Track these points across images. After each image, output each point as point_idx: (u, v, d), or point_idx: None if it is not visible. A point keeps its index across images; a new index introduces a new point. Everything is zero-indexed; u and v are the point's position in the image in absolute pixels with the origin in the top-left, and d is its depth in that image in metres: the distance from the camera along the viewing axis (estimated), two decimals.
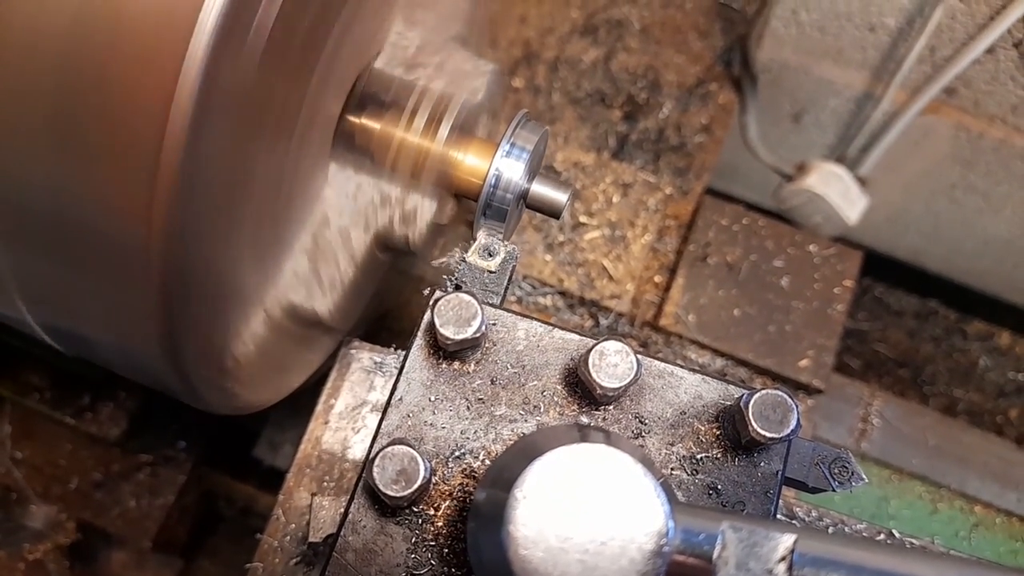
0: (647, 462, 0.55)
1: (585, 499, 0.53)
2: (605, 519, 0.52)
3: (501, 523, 0.53)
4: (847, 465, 0.77)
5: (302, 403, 1.19)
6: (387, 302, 1.46)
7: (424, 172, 0.94)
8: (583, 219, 1.66)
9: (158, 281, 0.74)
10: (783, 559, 0.50)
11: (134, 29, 0.66)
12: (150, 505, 1.85)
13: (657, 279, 1.67)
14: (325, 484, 1.05)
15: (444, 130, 0.93)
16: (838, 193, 2.41)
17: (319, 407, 1.09)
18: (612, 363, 0.67)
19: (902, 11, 2.04)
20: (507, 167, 0.94)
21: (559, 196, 0.96)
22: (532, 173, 0.96)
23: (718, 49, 2.23)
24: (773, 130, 2.51)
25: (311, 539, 0.71)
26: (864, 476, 0.78)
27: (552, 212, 0.97)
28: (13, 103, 0.70)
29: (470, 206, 0.96)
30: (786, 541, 0.51)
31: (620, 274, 1.62)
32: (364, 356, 1.11)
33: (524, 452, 0.58)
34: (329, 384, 1.10)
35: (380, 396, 1.09)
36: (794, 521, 1.08)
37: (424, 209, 0.96)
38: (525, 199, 0.96)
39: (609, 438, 0.57)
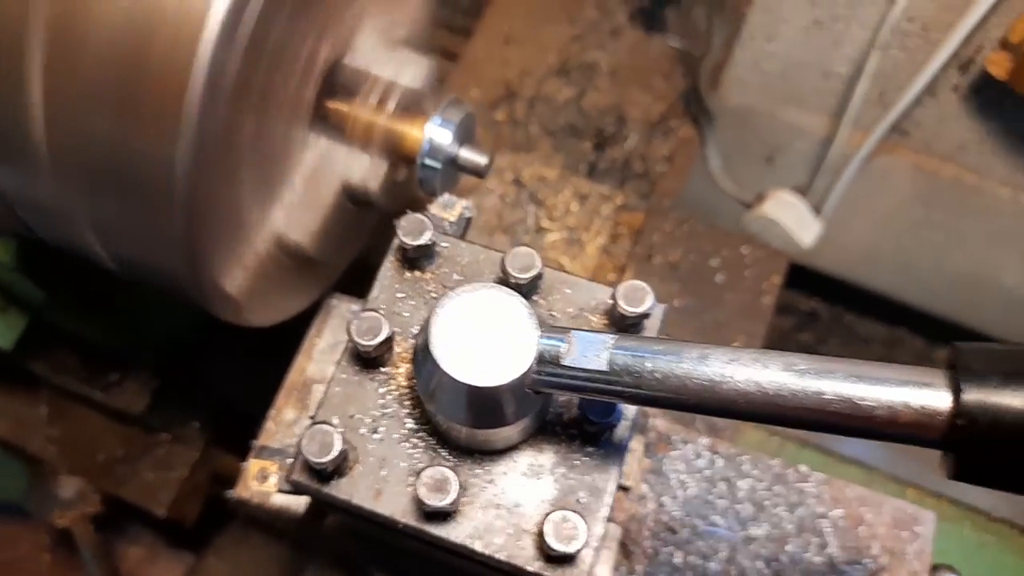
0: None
1: (482, 318, 0.79)
2: (497, 330, 0.78)
3: (427, 343, 0.79)
4: None
5: None
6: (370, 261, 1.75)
7: (376, 141, 1.24)
8: (544, 224, 1.93)
9: (181, 212, 1.02)
10: (607, 347, 0.76)
11: (163, 32, 0.95)
12: (166, 478, 2.08)
13: (610, 276, 1.92)
14: (308, 403, 1.30)
15: (390, 107, 1.22)
16: (792, 219, 2.63)
17: (304, 345, 1.34)
18: (523, 263, 0.92)
19: (849, 59, 2.21)
20: (438, 135, 1.23)
21: (481, 159, 1.25)
22: (461, 142, 1.24)
23: (680, 90, 2.50)
24: (748, 170, 2.64)
25: (310, 415, 0.95)
26: None
27: (476, 172, 1.26)
28: (91, 80, 0.99)
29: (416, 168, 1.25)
30: (609, 339, 0.76)
31: (576, 270, 1.87)
32: (343, 306, 1.36)
33: None
34: (313, 327, 1.35)
35: None
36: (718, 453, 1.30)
37: (380, 169, 1.26)
38: (455, 162, 1.25)
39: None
